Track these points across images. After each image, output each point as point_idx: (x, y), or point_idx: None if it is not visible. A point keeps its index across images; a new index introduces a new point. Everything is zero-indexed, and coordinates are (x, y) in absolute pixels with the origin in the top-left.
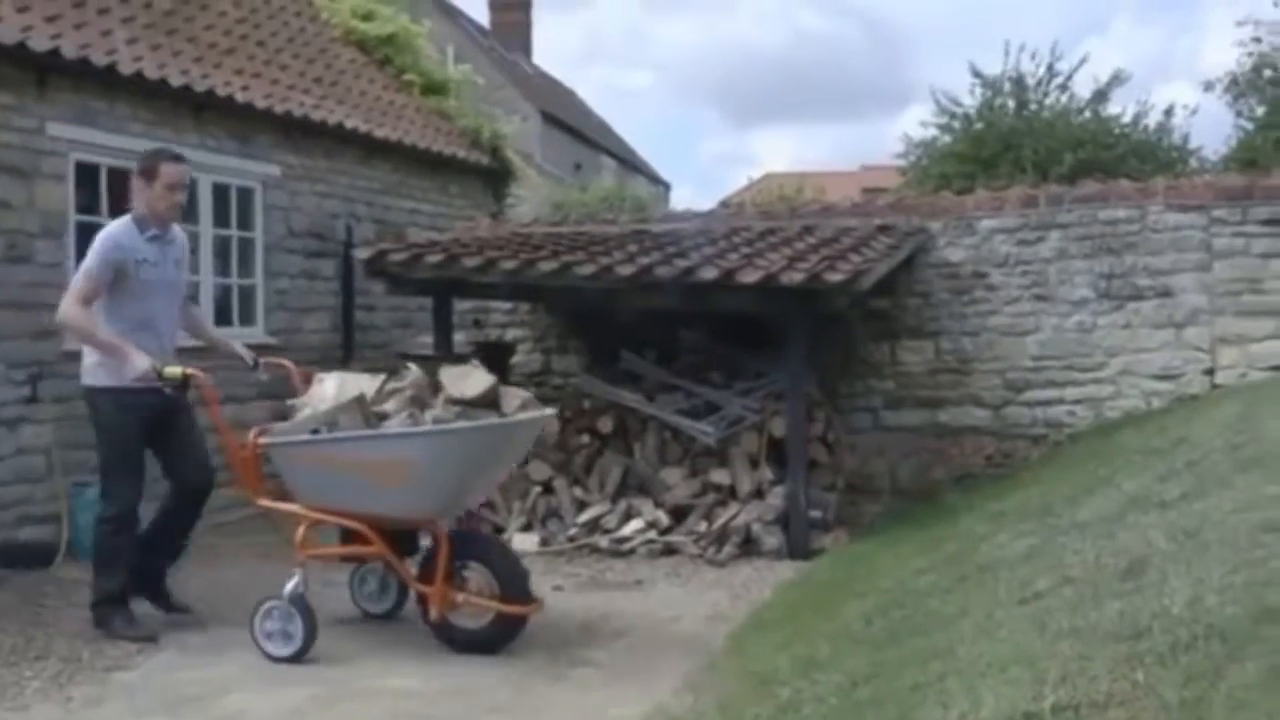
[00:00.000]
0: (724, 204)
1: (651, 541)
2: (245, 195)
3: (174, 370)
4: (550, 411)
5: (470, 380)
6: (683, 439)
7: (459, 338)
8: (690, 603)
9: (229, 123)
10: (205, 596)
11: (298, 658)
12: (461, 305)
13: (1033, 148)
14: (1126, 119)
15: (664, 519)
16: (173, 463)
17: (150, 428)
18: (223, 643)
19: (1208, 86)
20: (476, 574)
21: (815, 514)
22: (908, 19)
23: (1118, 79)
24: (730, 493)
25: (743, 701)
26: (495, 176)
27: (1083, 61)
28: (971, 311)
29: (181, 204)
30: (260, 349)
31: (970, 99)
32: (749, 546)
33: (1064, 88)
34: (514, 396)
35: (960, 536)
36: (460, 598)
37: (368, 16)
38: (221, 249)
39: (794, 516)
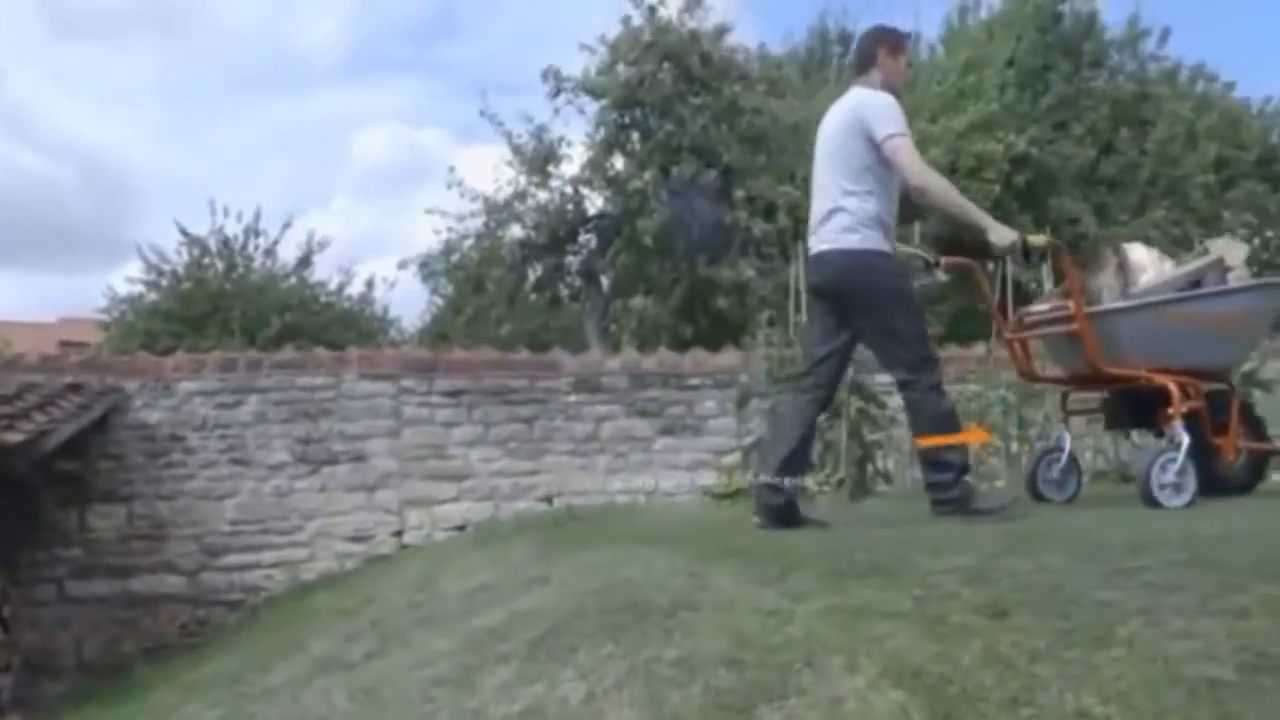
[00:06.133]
0: None
1: None
2: None
3: (1039, 239)
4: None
5: (1234, 250)
6: None
7: None
8: None
9: None
10: None
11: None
12: None
13: (241, 310)
14: (332, 287)
15: None
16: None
17: None
18: None
19: (402, 264)
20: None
21: None
22: (134, 169)
23: (319, 244)
24: None
25: None
26: None
27: (287, 226)
28: (168, 475)
29: None
30: None
31: (179, 257)
32: None
33: (270, 252)
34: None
35: (149, 711)
36: (1242, 444)
37: None
38: None
39: None
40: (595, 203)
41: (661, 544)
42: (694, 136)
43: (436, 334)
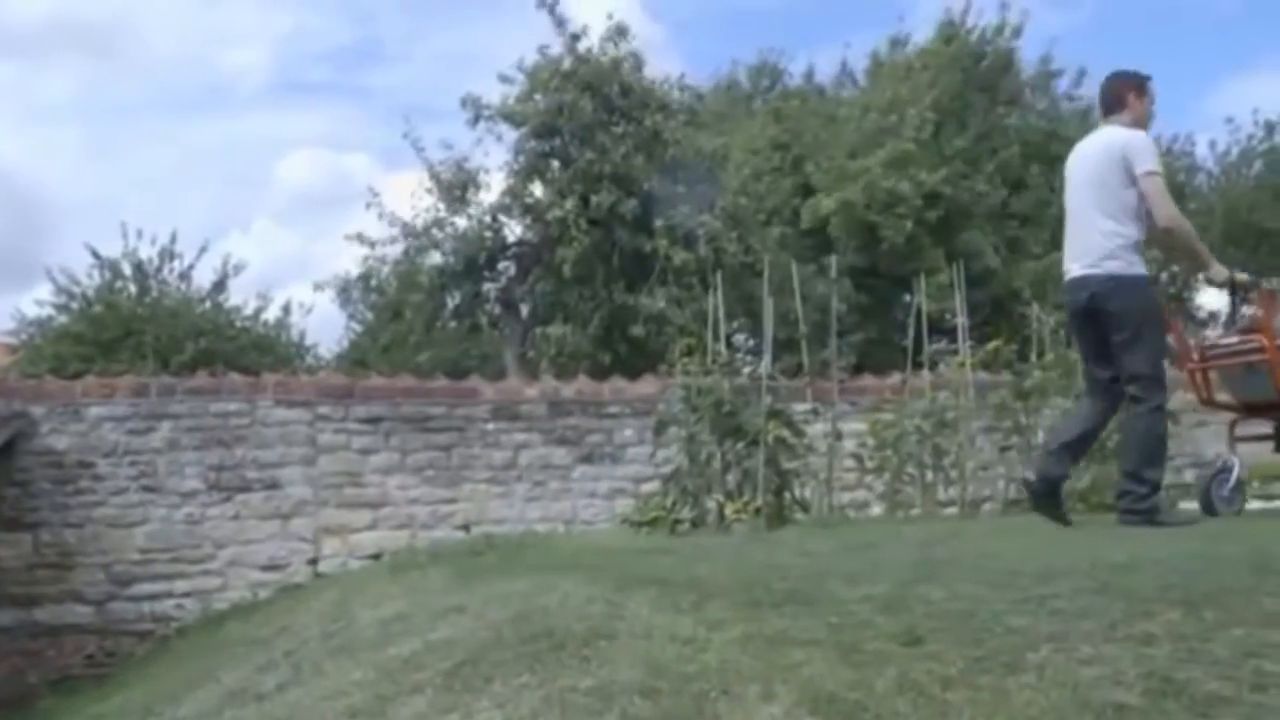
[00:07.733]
0: None
1: None
2: None
3: (1244, 277)
4: None
5: None
6: None
7: None
8: None
9: None
10: None
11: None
12: None
13: (155, 334)
14: (248, 312)
15: None
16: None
17: None
18: None
19: (317, 287)
20: None
21: None
22: (49, 190)
23: (235, 268)
24: None
25: None
26: None
27: (203, 250)
28: (76, 502)
29: None
30: None
31: (90, 280)
32: None
33: (185, 276)
34: None
35: None
36: None
37: None
38: None
39: None
40: (514, 230)
41: (579, 573)
42: (615, 165)
43: (354, 360)
